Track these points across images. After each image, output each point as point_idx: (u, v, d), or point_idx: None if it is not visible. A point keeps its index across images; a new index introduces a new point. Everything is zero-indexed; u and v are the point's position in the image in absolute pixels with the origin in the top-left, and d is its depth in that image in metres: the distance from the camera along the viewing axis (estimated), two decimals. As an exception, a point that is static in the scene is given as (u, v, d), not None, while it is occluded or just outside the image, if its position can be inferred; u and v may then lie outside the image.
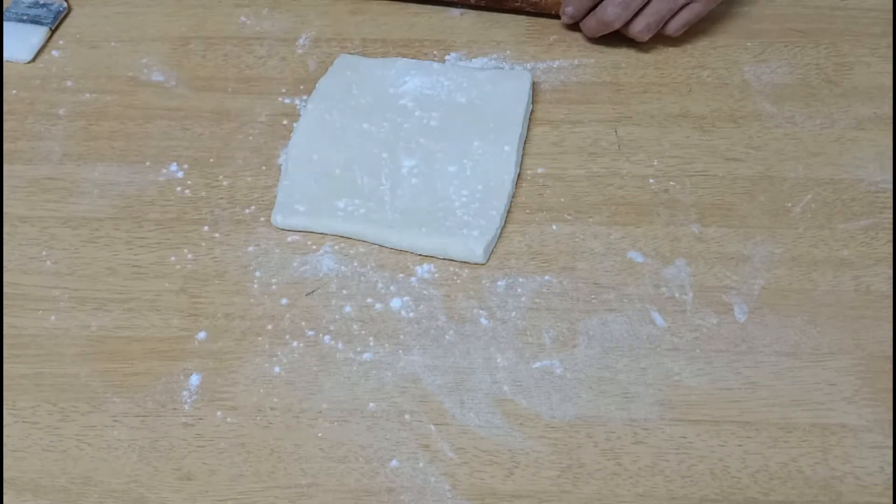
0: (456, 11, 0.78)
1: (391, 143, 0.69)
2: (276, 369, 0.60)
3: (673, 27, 0.73)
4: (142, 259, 0.65)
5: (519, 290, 0.63)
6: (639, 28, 0.73)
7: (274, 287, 0.63)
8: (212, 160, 0.70)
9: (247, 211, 0.67)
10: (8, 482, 0.56)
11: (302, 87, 0.74)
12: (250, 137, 0.71)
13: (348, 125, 0.70)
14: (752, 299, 0.62)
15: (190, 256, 0.65)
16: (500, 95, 0.71)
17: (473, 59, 0.75)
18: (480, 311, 0.62)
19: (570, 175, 0.68)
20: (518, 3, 0.77)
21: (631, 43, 0.75)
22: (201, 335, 0.61)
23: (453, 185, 0.66)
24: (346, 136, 0.69)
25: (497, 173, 0.67)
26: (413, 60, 0.73)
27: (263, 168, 0.69)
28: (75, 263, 0.65)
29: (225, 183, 0.68)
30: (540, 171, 0.69)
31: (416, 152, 0.68)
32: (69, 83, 0.75)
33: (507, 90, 0.71)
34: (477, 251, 0.63)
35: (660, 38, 0.75)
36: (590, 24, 0.74)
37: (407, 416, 0.58)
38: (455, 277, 0.63)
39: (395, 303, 0.62)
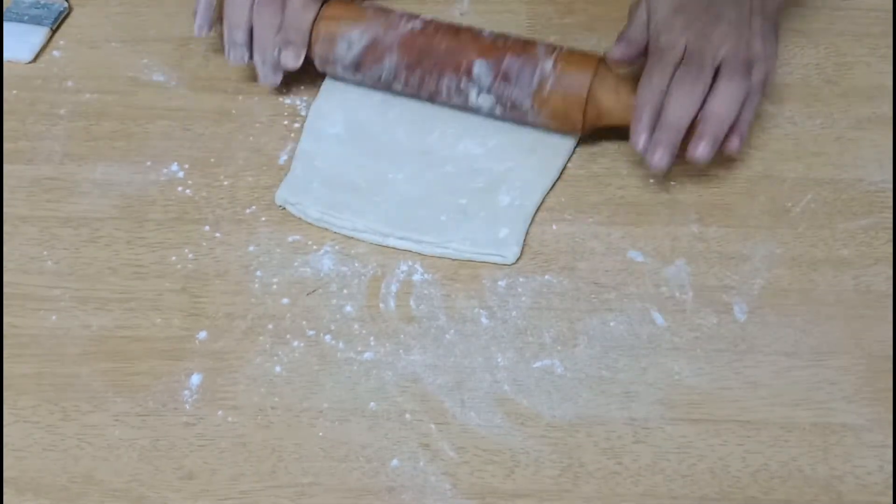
0: (456, 12, 0.78)
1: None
2: (277, 369, 0.60)
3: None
4: (143, 259, 0.65)
5: (519, 289, 0.63)
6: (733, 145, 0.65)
7: (275, 287, 0.63)
8: (212, 160, 0.70)
9: (247, 211, 0.67)
10: (8, 481, 0.56)
11: (302, 87, 0.74)
12: (251, 137, 0.71)
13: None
14: (752, 299, 0.62)
15: (191, 256, 0.65)
16: None
17: (474, 60, 0.75)
18: (481, 311, 0.62)
19: (570, 175, 0.68)
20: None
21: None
22: (202, 335, 0.61)
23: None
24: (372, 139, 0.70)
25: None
26: None
27: (264, 168, 0.69)
28: (76, 263, 0.65)
29: (226, 183, 0.68)
30: (540, 170, 0.69)
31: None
32: (70, 83, 0.75)
33: None
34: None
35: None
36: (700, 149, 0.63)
37: (407, 416, 0.58)
38: (455, 277, 0.63)
39: (396, 302, 0.62)
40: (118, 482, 0.56)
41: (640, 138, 0.64)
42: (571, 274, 0.63)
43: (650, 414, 0.57)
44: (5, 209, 0.67)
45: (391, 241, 0.64)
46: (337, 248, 0.65)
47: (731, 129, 0.63)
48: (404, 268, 0.64)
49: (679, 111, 0.63)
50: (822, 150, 0.69)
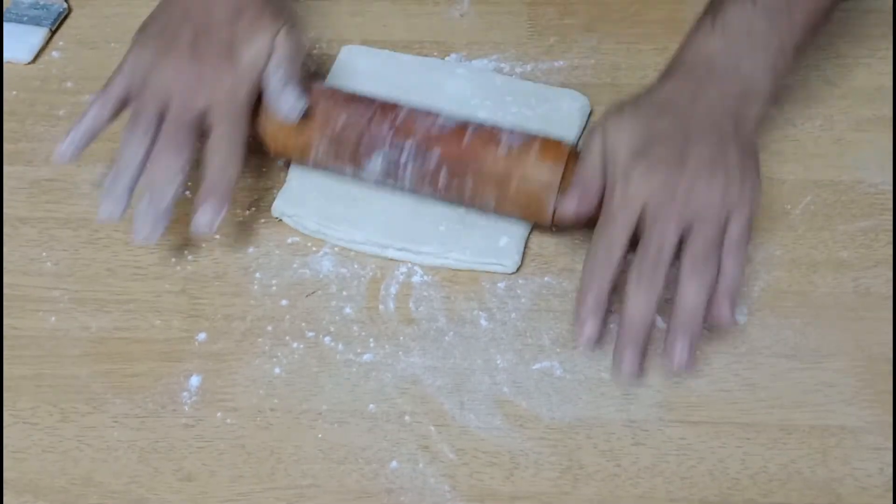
0: (456, 12, 0.78)
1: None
2: (277, 370, 0.60)
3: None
4: (142, 260, 0.65)
5: (519, 291, 0.63)
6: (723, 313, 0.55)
7: (274, 288, 0.63)
8: (212, 161, 0.69)
9: (247, 212, 0.67)
10: (8, 483, 0.56)
11: (302, 88, 0.73)
12: (251, 138, 0.71)
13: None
14: (752, 301, 0.62)
15: (190, 258, 0.65)
16: (553, 115, 0.69)
17: (474, 61, 0.74)
18: (480, 313, 0.62)
19: (570, 176, 0.68)
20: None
21: (631, 44, 0.75)
22: (201, 336, 0.61)
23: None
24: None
25: None
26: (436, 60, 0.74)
27: (263, 170, 0.69)
28: (75, 264, 0.65)
29: (225, 184, 0.68)
30: (540, 172, 0.69)
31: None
32: (69, 84, 0.75)
33: (562, 112, 0.70)
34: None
35: (659, 38, 0.75)
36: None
37: (407, 418, 0.58)
38: (455, 279, 0.63)
39: (395, 304, 0.62)
40: (117, 484, 0.56)
41: (583, 327, 0.55)
42: (571, 276, 0.63)
43: (649, 416, 0.57)
44: (5, 210, 0.67)
45: (390, 253, 0.64)
46: (336, 249, 0.65)
47: (718, 293, 0.55)
48: (404, 269, 0.64)
49: (640, 309, 0.54)
50: (821, 151, 0.69)
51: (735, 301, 0.55)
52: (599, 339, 0.56)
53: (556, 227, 0.63)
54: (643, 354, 0.55)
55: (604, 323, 0.55)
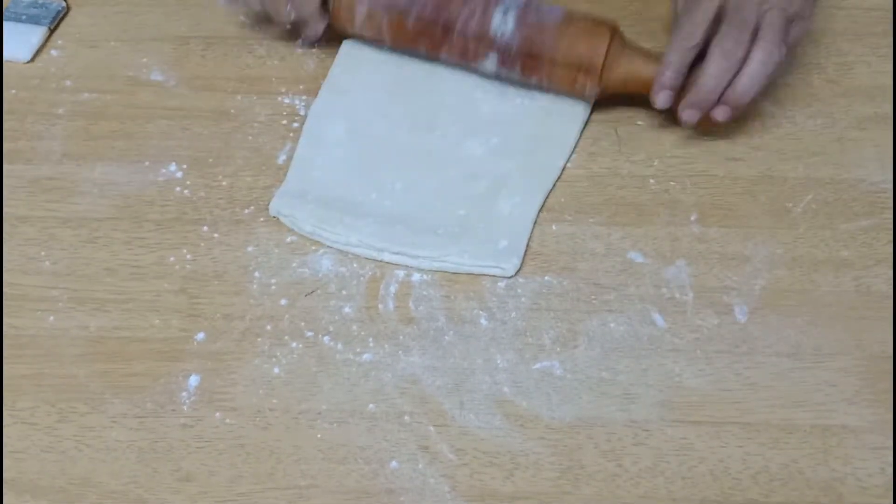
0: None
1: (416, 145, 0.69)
2: (276, 370, 0.60)
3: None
4: (141, 259, 0.65)
5: (519, 290, 0.62)
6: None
7: (273, 287, 0.63)
8: (211, 160, 0.69)
9: (246, 211, 0.67)
10: (7, 483, 0.56)
11: (302, 86, 0.73)
12: (249, 137, 0.71)
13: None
14: (753, 300, 0.61)
15: (189, 257, 0.65)
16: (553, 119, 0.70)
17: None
18: (480, 312, 0.62)
19: (571, 175, 0.68)
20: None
21: (631, 42, 0.75)
22: (200, 336, 0.61)
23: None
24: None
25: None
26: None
27: (263, 168, 0.69)
28: (74, 264, 0.65)
29: (224, 183, 0.68)
30: (540, 171, 0.68)
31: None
32: (68, 83, 0.74)
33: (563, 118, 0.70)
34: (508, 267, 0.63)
35: (660, 36, 0.74)
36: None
37: (406, 418, 0.58)
38: (455, 278, 0.63)
39: (395, 303, 0.62)
40: (116, 484, 0.56)
41: (661, 95, 0.64)
42: (571, 275, 0.63)
43: (650, 415, 0.57)
44: (4, 209, 0.67)
45: (386, 256, 0.63)
46: (335, 248, 0.64)
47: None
48: (403, 269, 0.63)
49: (718, 77, 0.63)
50: (822, 150, 0.69)
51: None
52: (671, 103, 0.65)
53: (604, 85, 0.66)
54: (704, 113, 0.64)
55: (677, 95, 0.65)
